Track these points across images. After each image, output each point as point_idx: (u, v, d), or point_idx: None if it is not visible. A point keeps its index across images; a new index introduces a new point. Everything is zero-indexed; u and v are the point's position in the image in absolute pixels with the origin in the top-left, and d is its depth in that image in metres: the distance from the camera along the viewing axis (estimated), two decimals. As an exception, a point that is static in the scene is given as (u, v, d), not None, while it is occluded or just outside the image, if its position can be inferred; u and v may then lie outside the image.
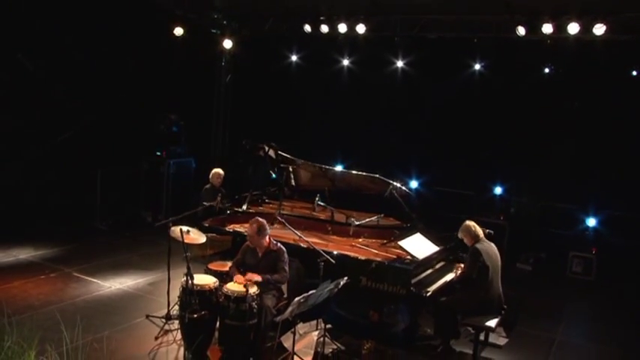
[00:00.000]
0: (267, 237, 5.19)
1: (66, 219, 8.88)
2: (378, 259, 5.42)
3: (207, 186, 7.59)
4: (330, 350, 5.20)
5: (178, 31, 9.62)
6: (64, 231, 8.56)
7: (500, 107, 9.07)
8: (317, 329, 5.31)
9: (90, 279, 6.78)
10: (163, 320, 5.50)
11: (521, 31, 7.99)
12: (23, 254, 7.46)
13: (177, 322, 5.34)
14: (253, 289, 4.83)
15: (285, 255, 5.18)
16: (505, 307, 5.44)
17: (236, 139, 10.41)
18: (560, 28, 7.77)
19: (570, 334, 6.27)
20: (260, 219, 5.21)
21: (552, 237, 8.83)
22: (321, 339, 5.09)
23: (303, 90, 10.73)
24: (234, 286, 4.86)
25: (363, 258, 5.39)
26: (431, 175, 9.74)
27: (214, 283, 4.94)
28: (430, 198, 9.45)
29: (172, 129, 9.56)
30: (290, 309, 4.46)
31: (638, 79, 8.31)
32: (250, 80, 10.86)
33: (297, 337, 4.92)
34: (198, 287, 4.79)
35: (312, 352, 5.02)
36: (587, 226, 8.54)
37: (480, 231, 5.44)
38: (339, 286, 4.86)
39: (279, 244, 5.26)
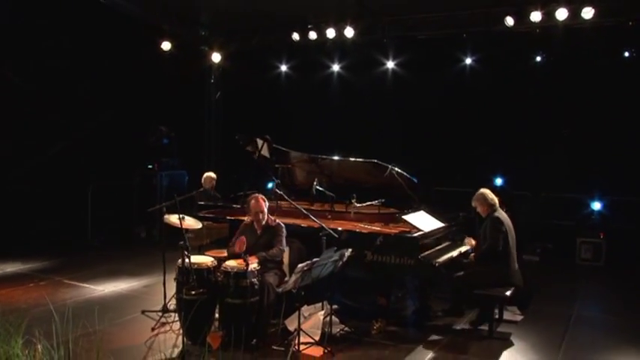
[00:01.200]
0: (267, 214, 5.07)
1: (56, 235, 8.67)
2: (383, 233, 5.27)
3: (201, 189, 7.48)
4: (338, 330, 4.97)
5: (166, 45, 9.76)
6: (55, 246, 8.34)
7: (493, 100, 9.10)
8: (323, 310, 5.08)
9: (82, 284, 6.54)
10: (160, 314, 5.27)
11: (509, 21, 8.08)
12: (10, 268, 7.21)
13: (174, 315, 5.14)
14: (254, 265, 4.65)
15: (284, 230, 5.07)
16: (521, 283, 5.27)
17: (228, 151, 10.37)
18: (548, 15, 7.86)
19: (587, 310, 6.08)
20: (259, 194, 5.12)
21: (557, 227, 8.68)
22: (328, 318, 4.88)
23: (294, 99, 10.76)
24: (233, 263, 4.68)
25: (366, 232, 5.24)
26: (429, 175, 9.64)
27: (212, 261, 4.76)
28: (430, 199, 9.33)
29: (163, 141, 9.51)
30: (294, 278, 4.29)
31: (631, 60, 8.34)
32: (240, 93, 10.89)
33: (302, 319, 4.70)
34: (196, 265, 4.61)
35: (319, 332, 4.78)
36: (593, 210, 8.43)
37: (495, 199, 5.32)
38: (344, 258, 4.72)
39: (277, 220, 5.15)
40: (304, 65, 10.76)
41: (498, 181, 9.11)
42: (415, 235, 5.07)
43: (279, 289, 4.70)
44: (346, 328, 5.03)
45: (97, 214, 9.04)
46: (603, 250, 8.04)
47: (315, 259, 4.34)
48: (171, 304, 5.33)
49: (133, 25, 9.18)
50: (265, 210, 5.06)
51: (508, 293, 5.01)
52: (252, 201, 5.06)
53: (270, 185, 7.94)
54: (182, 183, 9.75)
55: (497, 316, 5.42)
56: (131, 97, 9.44)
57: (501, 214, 5.28)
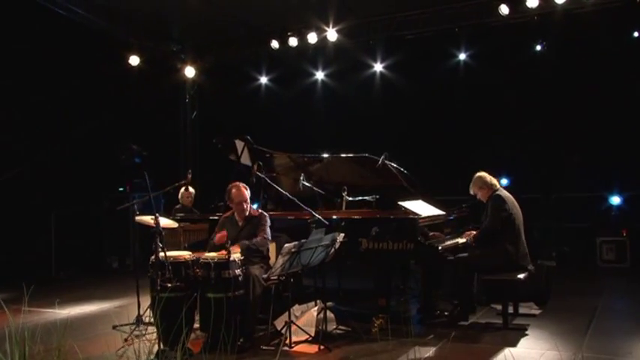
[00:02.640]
0: (249, 205, 5.10)
1: (14, 269, 8.52)
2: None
3: (178, 206, 7.48)
4: (334, 327, 4.91)
5: (134, 60, 9.96)
6: (13, 279, 8.18)
7: (492, 97, 9.27)
8: (316, 306, 5.03)
9: (45, 310, 6.40)
10: (133, 326, 5.17)
11: (504, 10, 8.32)
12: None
13: (150, 328, 5.05)
14: (236, 255, 4.63)
15: (268, 219, 5.09)
16: (531, 267, 5.28)
17: (206, 171, 10.42)
18: (546, 1, 8.05)
19: (614, 303, 6.04)
20: (240, 182, 5.16)
21: (573, 229, 8.71)
22: (322, 315, 4.83)
23: (277, 112, 10.92)
24: (212, 254, 4.65)
25: (360, 217, 5.25)
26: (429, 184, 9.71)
27: (190, 255, 4.73)
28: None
29: (135, 160, 9.52)
30: (281, 261, 4.27)
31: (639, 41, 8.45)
32: (218, 109, 11.03)
33: (293, 318, 4.65)
34: (172, 258, 4.57)
35: (314, 330, 4.72)
36: (612, 206, 8.47)
37: (495, 180, 5.39)
38: (336, 244, 4.72)
39: (260, 209, 5.16)
40: (286, 75, 10.99)
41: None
42: (412, 217, 5.09)
43: (265, 275, 4.66)
44: (342, 326, 4.97)
45: (63, 244, 8.95)
46: (628, 249, 8.03)
47: (303, 240, 4.34)
48: (147, 317, 5.26)
49: (97, 38, 9.40)
50: (248, 199, 5.08)
51: (521, 276, 5.00)
52: (234, 190, 5.08)
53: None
54: (158, 206, 9.72)
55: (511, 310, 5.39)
56: (98, 115, 9.54)
57: (504, 192, 5.34)
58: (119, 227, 9.38)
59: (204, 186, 9.45)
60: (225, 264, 4.52)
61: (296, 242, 4.30)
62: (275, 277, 4.89)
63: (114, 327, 5.38)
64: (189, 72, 10.84)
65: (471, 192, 5.54)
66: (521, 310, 5.56)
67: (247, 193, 5.09)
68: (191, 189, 7.77)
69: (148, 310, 5.39)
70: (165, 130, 10.98)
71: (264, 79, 11.34)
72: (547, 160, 8.94)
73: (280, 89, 11.16)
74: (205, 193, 8.89)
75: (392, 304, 5.42)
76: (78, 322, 5.81)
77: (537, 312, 5.61)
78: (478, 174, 5.47)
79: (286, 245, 4.24)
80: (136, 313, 5.32)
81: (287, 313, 4.59)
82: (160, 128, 10.65)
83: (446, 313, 5.47)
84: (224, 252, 4.48)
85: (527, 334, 4.85)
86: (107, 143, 9.57)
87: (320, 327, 4.77)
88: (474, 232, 5.55)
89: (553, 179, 8.91)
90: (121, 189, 9.44)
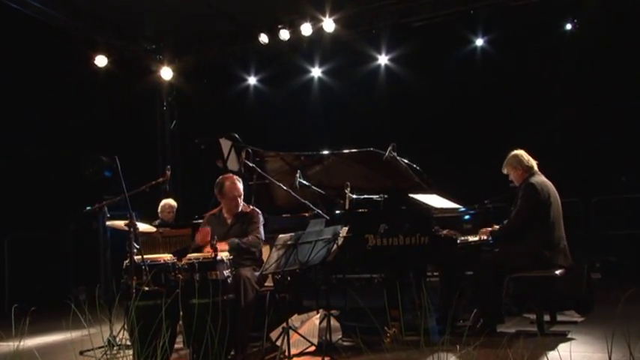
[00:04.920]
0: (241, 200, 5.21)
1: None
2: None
3: (157, 222, 7.57)
4: (340, 337, 4.94)
5: (101, 60, 10.13)
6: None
7: (514, 87, 9.39)
8: (317, 314, 5.07)
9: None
10: (105, 349, 5.18)
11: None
12: None
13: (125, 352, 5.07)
14: (225, 254, 4.69)
15: (260, 217, 5.18)
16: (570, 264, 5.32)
17: (189, 185, 10.52)
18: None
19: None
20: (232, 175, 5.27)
21: (619, 236, 8.75)
22: (324, 324, 4.87)
23: (268, 116, 11.09)
24: (196, 254, 4.72)
25: (364, 210, 5.34)
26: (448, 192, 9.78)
27: (171, 257, 4.80)
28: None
29: (105, 173, 9.61)
30: (275, 255, 4.33)
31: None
32: (201, 115, 11.19)
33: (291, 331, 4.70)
34: (149, 260, 4.64)
35: (316, 340, 4.75)
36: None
37: (533, 161, 5.47)
38: (338, 239, 4.78)
39: (251, 206, 5.25)
40: (278, 74, 11.18)
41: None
42: (426, 206, 5.17)
43: (257, 273, 4.71)
44: (349, 337, 5.01)
45: (19, 273, 8.98)
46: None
47: (300, 232, 4.41)
48: (122, 339, 5.29)
49: (57, 36, 9.57)
50: (242, 194, 5.17)
51: (557, 272, 5.04)
52: (227, 183, 5.16)
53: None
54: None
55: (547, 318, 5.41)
56: (60, 123, 9.69)
57: (539, 179, 5.40)
58: (88, 252, 9.43)
59: (187, 201, 9.56)
60: (212, 264, 4.57)
61: (292, 234, 4.36)
62: (269, 285, 4.97)
63: (81, 352, 5.40)
64: (166, 74, 11.02)
65: (504, 171, 5.61)
66: (560, 318, 5.58)
67: (242, 188, 5.18)
68: (172, 202, 7.89)
69: (123, 330, 5.43)
70: (140, 141, 11.10)
71: (252, 80, 11.56)
72: (584, 156, 9.00)
73: (271, 90, 11.39)
74: (188, 208, 8.97)
75: (408, 317, 5.44)
76: (39, 350, 5.81)
77: (579, 319, 5.63)
78: (514, 152, 5.54)
79: (281, 236, 4.30)
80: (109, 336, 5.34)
81: (285, 322, 4.64)
82: (134, 139, 10.77)
83: (469, 324, 5.49)
84: (209, 249, 4.55)
85: (568, 339, 4.87)
86: (72, 156, 9.70)
87: (323, 337, 4.79)
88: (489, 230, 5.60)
89: (592, 179, 8.96)
90: (89, 207, 9.49)
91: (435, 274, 6.21)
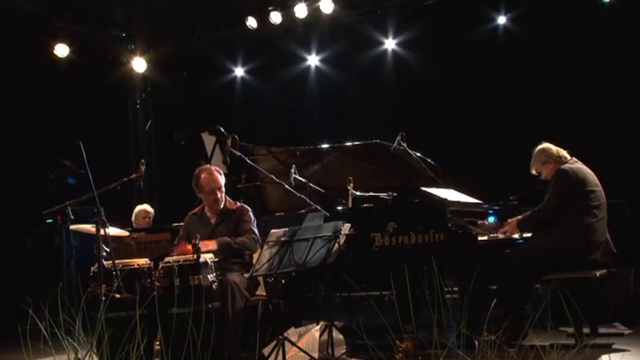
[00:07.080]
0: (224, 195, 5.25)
1: None
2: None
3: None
4: (343, 352, 4.97)
5: (61, 49, 10.15)
6: None
7: (544, 71, 9.41)
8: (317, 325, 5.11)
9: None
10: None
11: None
12: None
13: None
14: (209, 255, 4.73)
15: (251, 214, 5.22)
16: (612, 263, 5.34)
17: (167, 192, 10.56)
18: None
19: None
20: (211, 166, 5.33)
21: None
22: (325, 336, 4.91)
23: (258, 112, 11.14)
24: (175, 257, 4.76)
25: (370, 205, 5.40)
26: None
27: (146, 262, 4.84)
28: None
29: (68, 180, 9.66)
30: (267, 254, 4.36)
31: None
32: (180, 114, 11.23)
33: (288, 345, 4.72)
34: (121, 265, 4.67)
35: (316, 355, 4.77)
36: None
37: (564, 152, 5.54)
38: (339, 237, 4.82)
39: (240, 202, 5.30)
40: (268, 63, 11.24)
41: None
42: (440, 199, 5.24)
43: (246, 275, 4.74)
44: (355, 351, 5.03)
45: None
46: None
47: (296, 227, 4.44)
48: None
49: (9, 22, 9.57)
50: (223, 186, 5.21)
51: (598, 274, 5.07)
52: (203, 174, 5.23)
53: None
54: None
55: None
56: (15, 123, 9.71)
57: (575, 165, 5.45)
58: (49, 273, 9.41)
59: (164, 208, 9.58)
60: (194, 267, 4.61)
61: (286, 229, 4.40)
62: (261, 294, 4.99)
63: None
64: (139, 65, 11.08)
65: (533, 171, 5.66)
66: (602, 330, 5.59)
67: (222, 180, 5.23)
68: (149, 208, 7.96)
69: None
70: (111, 144, 11.12)
71: (240, 71, 11.61)
72: (633, 150, 8.98)
73: (262, 82, 11.42)
74: (167, 216, 8.97)
75: (423, 332, 5.46)
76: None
77: (626, 331, 5.64)
78: (540, 146, 5.61)
79: (273, 231, 4.34)
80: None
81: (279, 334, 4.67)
82: (102, 142, 10.79)
83: (492, 337, 5.50)
84: (189, 247, 4.59)
85: (610, 351, 4.88)
86: (29, 159, 9.73)
87: (324, 351, 4.82)
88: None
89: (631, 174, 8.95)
90: (49, 220, 9.51)
91: (455, 288, 6.27)
